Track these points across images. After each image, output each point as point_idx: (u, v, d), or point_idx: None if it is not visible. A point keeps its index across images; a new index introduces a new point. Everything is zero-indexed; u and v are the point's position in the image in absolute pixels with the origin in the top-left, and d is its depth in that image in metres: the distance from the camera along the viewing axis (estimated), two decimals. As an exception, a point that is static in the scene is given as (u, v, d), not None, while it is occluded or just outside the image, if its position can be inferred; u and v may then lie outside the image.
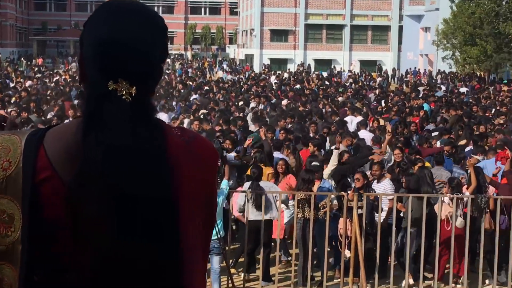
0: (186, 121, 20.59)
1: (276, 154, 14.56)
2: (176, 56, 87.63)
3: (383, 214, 11.66)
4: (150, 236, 2.04)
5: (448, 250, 11.37)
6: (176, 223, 2.12)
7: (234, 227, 12.99)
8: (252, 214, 11.39)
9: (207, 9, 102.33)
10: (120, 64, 2.12)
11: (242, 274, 11.39)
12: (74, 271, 2.06)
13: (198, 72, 59.57)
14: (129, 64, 2.13)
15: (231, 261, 11.95)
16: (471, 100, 32.95)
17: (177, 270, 2.11)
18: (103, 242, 2.01)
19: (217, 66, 73.15)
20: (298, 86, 42.67)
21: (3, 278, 2.11)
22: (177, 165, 2.15)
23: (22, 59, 73.62)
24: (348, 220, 11.26)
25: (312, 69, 69.56)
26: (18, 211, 2.09)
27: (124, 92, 2.10)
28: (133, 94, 2.11)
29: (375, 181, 12.47)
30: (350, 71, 66.27)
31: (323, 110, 25.76)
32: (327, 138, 17.88)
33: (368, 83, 51.53)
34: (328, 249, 11.36)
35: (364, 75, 61.21)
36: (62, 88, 34.50)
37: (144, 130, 2.09)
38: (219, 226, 9.77)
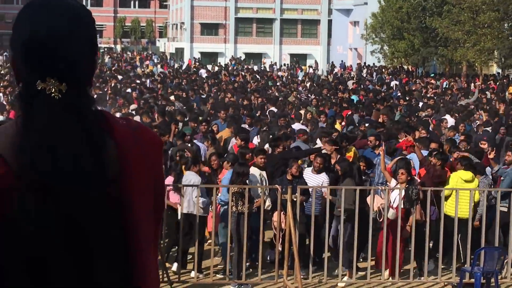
0: (117, 115, 20.40)
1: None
2: (106, 49, 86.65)
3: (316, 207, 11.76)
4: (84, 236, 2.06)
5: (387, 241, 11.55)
6: (119, 221, 2.13)
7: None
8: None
9: (136, 2, 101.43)
10: (46, 62, 2.13)
11: (176, 267, 11.39)
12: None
13: (128, 66, 59.07)
14: (55, 61, 2.14)
15: (165, 255, 11.93)
16: (399, 94, 33.51)
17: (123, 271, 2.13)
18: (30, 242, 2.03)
19: (149, 59, 72.52)
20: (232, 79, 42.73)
21: None
22: (127, 153, 2.18)
23: None
24: (282, 213, 11.32)
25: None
26: None
27: (53, 90, 2.11)
28: (63, 91, 2.12)
29: (314, 173, 12.61)
30: (284, 64, 66.74)
31: (254, 104, 25.91)
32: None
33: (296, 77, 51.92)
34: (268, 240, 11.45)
35: (295, 68, 61.65)
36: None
37: (78, 125, 2.10)
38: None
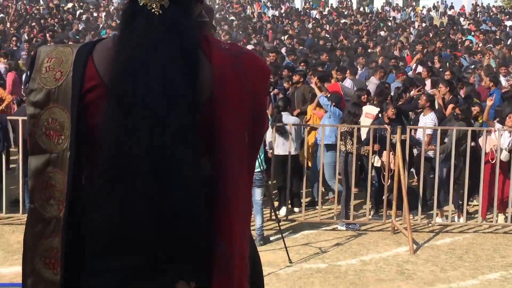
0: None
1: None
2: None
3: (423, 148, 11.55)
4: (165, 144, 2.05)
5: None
6: (205, 149, 2.14)
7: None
8: (278, 148, 11.57)
9: None
10: None
11: (284, 211, 11.47)
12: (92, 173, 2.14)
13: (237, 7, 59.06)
14: None
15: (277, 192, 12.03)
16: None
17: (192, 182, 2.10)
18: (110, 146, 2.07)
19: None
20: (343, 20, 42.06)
21: (55, 185, 2.18)
22: (222, 78, 2.13)
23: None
24: (391, 153, 11.19)
25: (354, 3, 68.52)
26: (68, 119, 2.16)
27: (154, 5, 2.09)
28: (166, 7, 2.09)
29: (422, 114, 12.44)
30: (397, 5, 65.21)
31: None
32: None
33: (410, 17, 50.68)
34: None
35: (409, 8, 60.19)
36: None
37: (175, 43, 2.07)
38: (261, 158, 9.75)
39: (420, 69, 18.11)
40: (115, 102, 2.05)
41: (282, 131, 11.45)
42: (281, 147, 11.49)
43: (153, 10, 2.07)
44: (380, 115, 12.21)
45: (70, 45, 2.26)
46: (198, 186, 2.10)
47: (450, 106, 12.97)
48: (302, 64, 17.44)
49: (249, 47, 22.78)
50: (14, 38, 21.47)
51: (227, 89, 2.14)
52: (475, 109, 12.84)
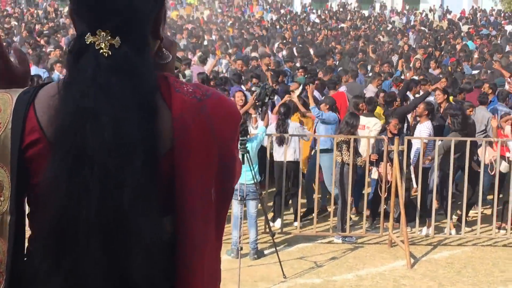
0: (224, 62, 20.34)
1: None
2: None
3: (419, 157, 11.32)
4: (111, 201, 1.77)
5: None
6: (167, 204, 1.86)
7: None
8: (279, 155, 11.35)
9: None
10: (97, 11, 1.85)
11: (279, 223, 11.23)
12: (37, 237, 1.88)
13: (236, 10, 58.92)
14: (108, 10, 1.85)
15: (272, 204, 11.82)
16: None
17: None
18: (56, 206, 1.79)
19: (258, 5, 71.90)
20: (343, 25, 41.88)
21: None
22: (184, 126, 1.87)
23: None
24: (388, 164, 10.97)
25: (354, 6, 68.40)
26: (7, 178, 1.88)
27: (103, 45, 1.83)
28: (116, 46, 1.83)
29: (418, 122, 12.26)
30: (394, 9, 65.05)
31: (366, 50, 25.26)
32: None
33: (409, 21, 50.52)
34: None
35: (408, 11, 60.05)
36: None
37: (127, 89, 1.80)
38: (255, 170, 9.55)
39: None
40: (60, 159, 1.78)
41: (283, 139, 11.21)
42: (288, 154, 11.24)
43: (102, 51, 1.82)
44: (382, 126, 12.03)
45: (10, 90, 1.97)
46: (159, 255, 1.83)
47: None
48: (300, 71, 17.26)
49: (253, 54, 22.57)
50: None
51: (190, 140, 1.88)
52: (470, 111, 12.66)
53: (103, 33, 1.83)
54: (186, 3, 66.07)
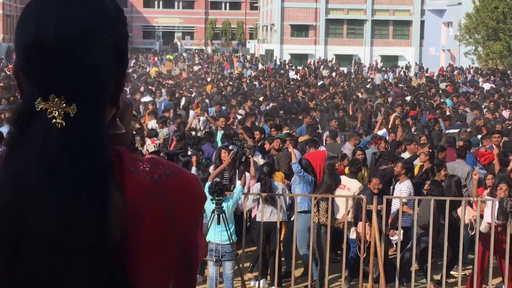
0: (201, 118, 20.25)
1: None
2: (196, 51, 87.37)
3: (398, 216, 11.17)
4: None
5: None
6: None
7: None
8: (265, 215, 11.06)
9: (227, 4, 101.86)
10: (53, 74, 1.56)
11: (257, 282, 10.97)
12: None
13: (216, 67, 59.26)
14: (62, 73, 1.56)
15: (250, 265, 11.58)
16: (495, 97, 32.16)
17: None
18: None
19: (238, 61, 72.52)
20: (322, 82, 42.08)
21: None
22: (139, 213, 1.60)
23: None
24: (367, 224, 10.80)
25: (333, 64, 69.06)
26: None
27: (56, 113, 1.54)
28: (71, 115, 1.55)
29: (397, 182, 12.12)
30: (373, 66, 65.61)
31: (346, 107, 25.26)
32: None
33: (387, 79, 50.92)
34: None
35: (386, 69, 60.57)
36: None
37: (76, 168, 1.52)
38: (231, 230, 9.36)
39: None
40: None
41: (270, 199, 11.00)
42: (271, 214, 11.02)
43: (54, 121, 1.54)
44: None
45: None
46: None
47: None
48: (273, 128, 17.21)
49: (240, 111, 22.46)
50: None
51: (145, 230, 1.60)
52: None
53: (57, 99, 1.55)
54: (166, 59, 66.40)
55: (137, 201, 1.61)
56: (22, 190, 1.50)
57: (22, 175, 1.51)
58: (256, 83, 39.41)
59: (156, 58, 72.42)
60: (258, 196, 10.97)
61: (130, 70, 49.73)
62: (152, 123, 18.55)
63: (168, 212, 1.64)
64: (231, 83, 37.87)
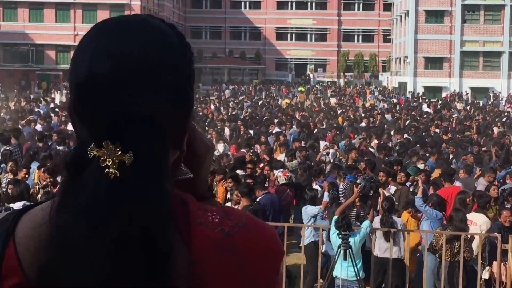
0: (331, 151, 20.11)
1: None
2: (329, 83, 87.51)
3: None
4: None
5: None
6: None
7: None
8: (381, 251, 10.80)
9: (360, 36, 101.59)
10: (108, 117, 1.39)
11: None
12: None
13: (348, 99, 59.00)
14: (121, 118, 1.39)
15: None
16: None
17: None
18: None
19: (371, 94, 71.97)
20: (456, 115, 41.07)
21: None
22: (206, 272, 1.41)
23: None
24: (502, 263, 10.32)
25: (468, 97, 67.45)
26: None
27: (110, 162, 1.37)
28: (127, 164, 1.37)
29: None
30: (510, 99, 63.63)
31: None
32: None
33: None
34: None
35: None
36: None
37: (133, 221, 1.34)
38: (358, 267, 9.14)
39: None
40: None
41: (388, 234, 10.75)
42: (386, 249, 10.77)
43: (107, 170, 1.37)
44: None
45: None
46: None
47: None
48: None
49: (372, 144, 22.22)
50: None
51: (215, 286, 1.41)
52: None
53: (111, 145, 1.38)
54: (298, 91, 66.78)
55: (205, 258, 1.41)
56: (72, 247, 1.34)
57: (68, 232, 1.35)
58: (389, 115, 38.89)
59: (287, 90, 72.96)
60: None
61: (260, 102, 50.30)
62: (282, 155, 18.58)
63: (239, 270, 1.43)
64: (363, 114, 37.58)
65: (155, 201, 1.37)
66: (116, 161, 1.37)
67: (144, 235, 1.34)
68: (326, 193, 12.22)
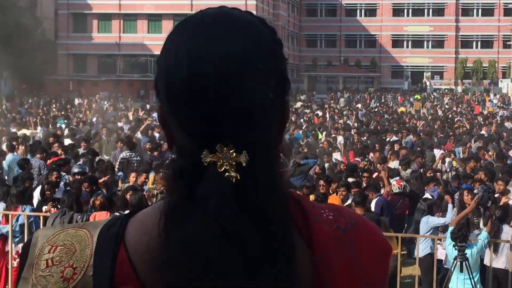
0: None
1: None
2: (446, 90, 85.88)
3: None
4: None
5: None
6: None
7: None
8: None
9: (479, 43, 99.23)
10: (216, 117, 1.31)
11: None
12: None
13: (466, 107, 57.65)
14: (227, 116, 1.31)
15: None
16: None
17: None
18: None
19: (490, 101, 70.03)
20: None
21: None
22: (328, 269, 1.35)
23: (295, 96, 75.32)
24: None
25: None
26: None
27: (228, 165, 1.30)
28: (244, 165, 1.30)
29: None
30: None
31: None
32: None
33: None
34: None
35: None
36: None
37: (257, 222, 1.27)
38: (475, 279, 8.85)
39: None
40: None
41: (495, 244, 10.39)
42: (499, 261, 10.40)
43: (228, 174, 1.29)
44: None
45: (85, 224, 1.45)
46: None
47: None
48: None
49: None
50: None
51: (335, 284, 1.36)
52: None
53: (225, 148, 1.31)
54: (414, 99, 65.83)
55: (327, 256, 1.36)
56: (196, 254, 1.27)
57: (196, 243, 1.27)
58: (509, 123, 37.69)
59: (403, 98, 71.97)
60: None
61: (376, 109, 49.83)
62: (395, 163, 18.27)
63: (357, 268, 1.38)
64: (482, 122, 36.65)
65: (277, 200, 1.32)
66: (233, 163, 1.30)
67: (269, 238, 1.29)
68: (450, 205, 11.83)
